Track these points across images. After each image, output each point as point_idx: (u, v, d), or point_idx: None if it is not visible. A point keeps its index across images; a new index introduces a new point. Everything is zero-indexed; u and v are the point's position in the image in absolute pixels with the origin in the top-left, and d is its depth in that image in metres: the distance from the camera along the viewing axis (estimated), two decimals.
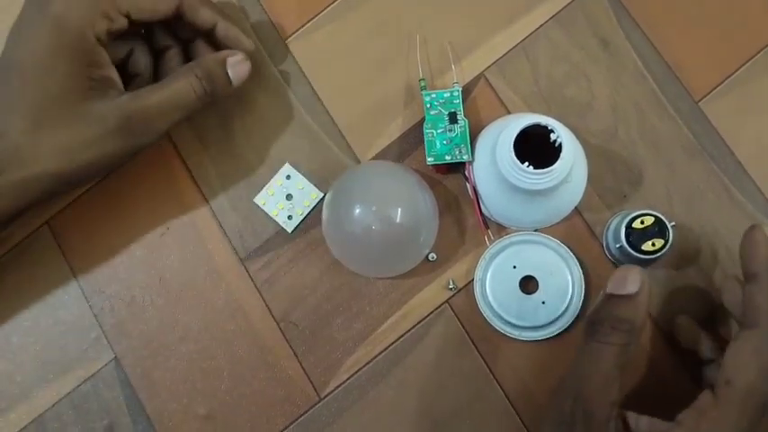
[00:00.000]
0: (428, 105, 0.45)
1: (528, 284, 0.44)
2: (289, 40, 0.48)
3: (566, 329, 0.43)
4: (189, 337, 0.45)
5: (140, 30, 0.44)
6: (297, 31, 0.48)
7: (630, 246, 0.41)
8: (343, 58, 0.48)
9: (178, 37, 0.45)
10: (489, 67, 0.47)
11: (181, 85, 0.41)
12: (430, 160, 0.44)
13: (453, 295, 0.45)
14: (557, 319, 0.43)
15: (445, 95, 0.45)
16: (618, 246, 0.42)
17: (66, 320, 0.46)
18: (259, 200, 0.46)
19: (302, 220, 0.46)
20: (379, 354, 0.45)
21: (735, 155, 0.45)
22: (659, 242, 0.41)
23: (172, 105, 0.41)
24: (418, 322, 0.45)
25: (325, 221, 0.44)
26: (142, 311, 0.46)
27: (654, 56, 0.46)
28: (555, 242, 0.44)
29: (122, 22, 0.40)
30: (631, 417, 0.36)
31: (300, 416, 0.44)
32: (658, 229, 0.41)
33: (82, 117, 0.39)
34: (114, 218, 0.47)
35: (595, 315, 0.37)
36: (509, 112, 0.46)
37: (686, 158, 0.45)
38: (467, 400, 0.44)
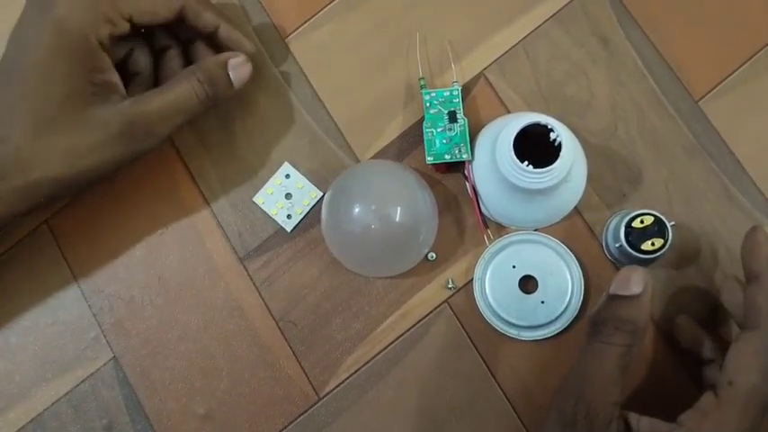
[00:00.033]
0: (428, 104, 0.45)
1: (527, 284, 0.44)
2: (288, 39, 0.48)
3: (565, 329, 0.43)
4: (188, 337, 0.45)
5: (141, 30, 0.44)
6: (296, 30, 0.48)
7: (630, 245, 0.41)
8: (343, 57, 0.47)
9: (178, 36, 0.45)
10: (489, 65, 0.47)
11: (183, 90, 0.41)
12: (429, 159, 0.44)
13: (452, 295, 0.45)
14: (556, 318, 0.43)
15: (445, 94, 0.45)
16: (617, 245, 0.42)
17: (65, 320, 0.46)
18: (258, 199, 0.46)
19: (301, 220, 0.46)
20: (379, 353, 0.45)
21: (734, 154, 0.45)
22: (659, 242, 0.41)
23: (174, 110, 0.41)
24: (417, 322, 0.45)
25: (325, 221, 0.44)
26: (141, 311, 0.46)
27: (654, 55, 0.46)
28: (554, 242, 0.44)
29: (125, 27, 0.40)
30: (633, 417, 0.36)
31: (299, 415, 0.44)
32: (658, 228, 0.41)
33: (84, 122, 0.39)
34: (113, 217, 0.47)
35: (598, 315, 0.37)
36: (509, 111, 0.46)
37: (686, 158, 0.45)
38: (466, 400, 0.44)
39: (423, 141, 0.45)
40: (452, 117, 0.44)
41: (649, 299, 0.36)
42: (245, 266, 0.46)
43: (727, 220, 0.44)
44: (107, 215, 0.47)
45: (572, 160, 0.40)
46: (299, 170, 0.46)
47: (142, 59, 0.44)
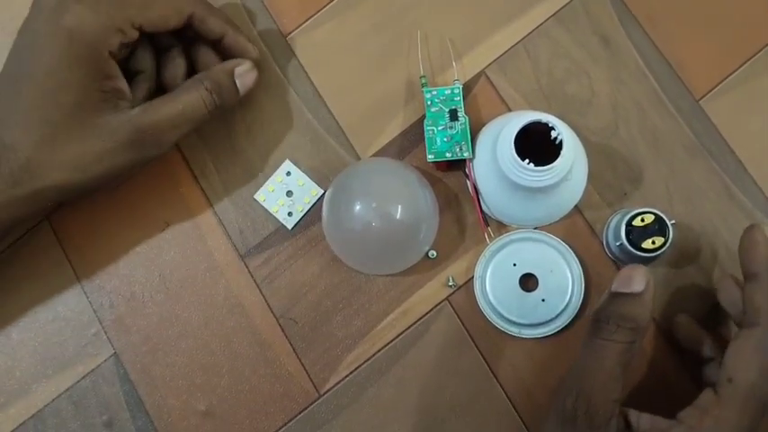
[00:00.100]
0: (429, 102, 0.45)
1: (528, 282, 0.44)
2: (290, 37, 0.48)
3: (565, 327, 0.43)
4: (188, 334, 0.45)
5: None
6: (298, 27, 0.48)
7: (631, 244, 0.41)
8: (345, 55, 0.48)
9: (180, 35, 0.45)
10: (490, 64, 0.47)
11: (191, 98, 0.42)
12: (430, 157, 0.44)
13: (453, 293, 0.45)
14: (556, 316, 0.43)
15: (446, 92, 0.45)
16: (618, 244, 0.42)
17: (66, 316, 0.46)
18: (259, 196, 0.46)
19: (302, 217, 0.46)
20: (379, 351, 0.45)
21: (735, 153, 0.45)
22: (659, 240, 0.41)
23: (183, 119, 0.41)
24: (418, 319, 0.45)
25: (325, 218, 0.44)
26: (142, 307, 0.46)
27: (655, 54, 0.46)
28: (555, 240, 0.44)
29: (134, 35, 0.41)
30: (633, 414, 0.36)
31: (300, 412, 0.44)
32: (658, 227, 0.41)
33: (94, 131, 0.39)
34: (114, 214, 0.47)
35: (600, 313, 0.37)
36: (510, 110, 0.46)
37: (687, 157, 0.45)
38: (466, 398, 0.44)
39: (424, 139, 0.45)
40: (453, 115, 0.45)
41: (651, 297, 0.36)
42: (245, 264, 0.46)
43: (727, 219, 0.44)
44: (108, 212, 0.47)
45: (573, 159, 0.40)
46: (300, 168, 0.46)
47: (145, 58, 0.44)
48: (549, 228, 0.45)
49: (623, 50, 0.46)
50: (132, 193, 0.47)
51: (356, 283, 0.45)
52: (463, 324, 0.44)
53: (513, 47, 0.47)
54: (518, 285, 0.44)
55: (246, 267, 0.46)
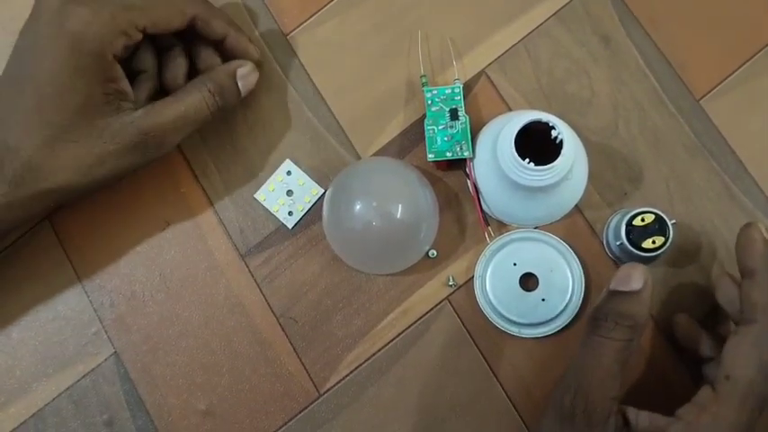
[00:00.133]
0: (429, 102, 0.45)
1: (528, 282, 0.44)
2: (290, 35, 0.48)
3: (565, 327, 0.43)
4: (189, 333, 0.45)
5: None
6: (299, 26, 0.48)
7: (631, 243, 0.41)
8: (345, 55, 0.48)
9: (181, 34, 0.45)
10: (490, 63, 0.47)
11: (195, 101, 0.42)
12: (431, 157, 0.44)
13: (453, 292, 0.45)
14: (556, 316, 0.43)
15: (446, 92, 0.45)
16: (618, 243, 0.42)
17: (67, 315, 0.46)
18: (260, 196, 0.46)
19: (303, 216, 0.46)
20: (379, 350, 0.45)
21: (735, 153, 0.45)
22: (660, 240, 0.41)
23: (186, 121, 0.42)
24: (418, 319, 0.45)
25: (326, 217, 0.44)
26: (142, 306, 0.46)
27: (655, 53, 0.46)
28: (555, 239, 0.44)
29: (138, 37, 0.41)
30: (631, 412, 0.36)
31: (300, 412, 0.44)
32: (659, 226, 0.41)
33: (97, 134, 0.40)
34: (115, 213, 0.47)
35: (598, 310, 0.37)
36: (510, 109, 0.46)
37: (687, 156, 0.45)
38: (466, 397, 0.44)
39: (424, 139, 0.45)
40: (454, 114, 0.45)
41: (649, 295, 0.36)
42: (246, 263, 0.46)
43: (727, 219, 0.44)
44: (109, 211, 0.47)
45: (573, 158, 0.40)
46: (300, 167, 0.46)
47: (147, 58, 0.44)
48: (549, 227, 0.45)
49: (624, 50, 0.46)
50: (133, 193, 0.47)
51: (356, 282, 0.45)
52: (463, 323, 0.44)
53: (513, 46, 0.47)
54: (518, 285, 0.44)
55: (247, 267, 0.46)
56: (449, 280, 0.45)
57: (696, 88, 0.46)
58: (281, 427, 0.44)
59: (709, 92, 0.46)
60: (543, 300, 0.43)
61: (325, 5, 0.48)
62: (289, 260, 0.46)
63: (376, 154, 0.46)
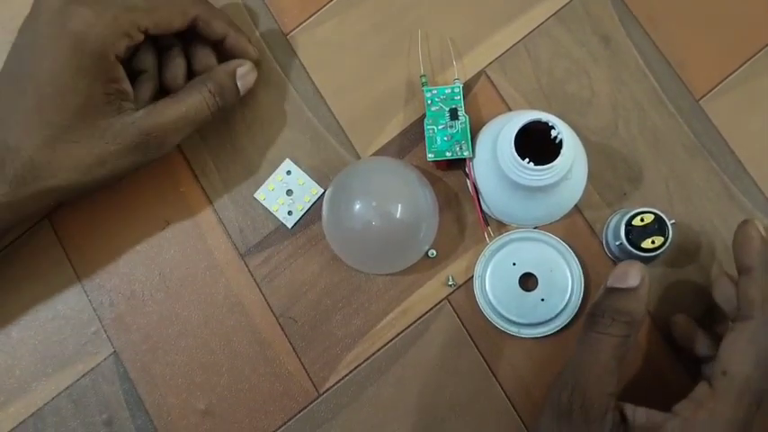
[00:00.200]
0: (429, 102, 0.45)
1: (527, 281, 0.44)
2: (290, 35, 0.48)
3: (565, 327, 0.43)
4: (188, 332, 0.45)
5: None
6: (299, 26, 0.48)
7: (630, 243, 0.41)
8: (345, 54, 0.48)
9: (180, 33, 0.45)
10: (490, 63, 0.47)
11: (195, 101, 0.42)
12: (430, 156, 0.44)
13: (453, 292, 0.45)
14: (556, 316, 0.43)
15: (446, 92, 0.45)
16: (618, 243, 0.42)
17: (66, 315, 0.46)
18: (259, 195, 0.46)
19: (302, 216, 0.46)
20: (379, 350, 0.45)
21: (735, 153, 0.45)
22: (659, 240, 0.41)
23: (186, 121, 0.42)
24: (417, 319, 0.45)
25: (325, 217, 0.44)
26: (142, 306, 0.46)
27: (655, 54, 0.46)
28: (555, 239, 0.44)
29: (140, 38, 0.41)
30: (628, 408, 0.36)
31: (299, 411, 0.44)
32: (658, 226, 0.41)
33: (99, 134, 0.40)
34: (115, 212, 0.47)
35: (596, 307, 0.37)
36: (510, 109, 0.46)
37: (686, 156, 0.45)
38: (466, 397, 0.44)
39: (424, 139, 0.45)
40: (454, 114, 0.45)
41: (646, 292, 0.37)
42: (245, 262, 0.46)
43: (727, 219, 0.44)
44: (109, 210, 0.47)
45: (573, 158, 0.40)
46: (300, 167, 0.46)
47: (148, 58, 0.44)
48: (548, 227, 0.45)
49: (623, 50, 0.46)
50: (133, 192, 0.47)
51: (356, 282, 0.45)
52: (463, 323, 0.44)
53: (513, 46, 0.47)
54: (518, 285, 0.44)
55: (246, 266, 0.46)
56: (448, 280, 0.45)
57: (696, 88, 0.46)
58: (280, 427, 0.44)
59: (709, 92, 0.46)
60: (543, 300, 0.43)
61: (324, 5, 0.48)
62: (288, 260, 0.46)
63: (376, 154, 0.46)
